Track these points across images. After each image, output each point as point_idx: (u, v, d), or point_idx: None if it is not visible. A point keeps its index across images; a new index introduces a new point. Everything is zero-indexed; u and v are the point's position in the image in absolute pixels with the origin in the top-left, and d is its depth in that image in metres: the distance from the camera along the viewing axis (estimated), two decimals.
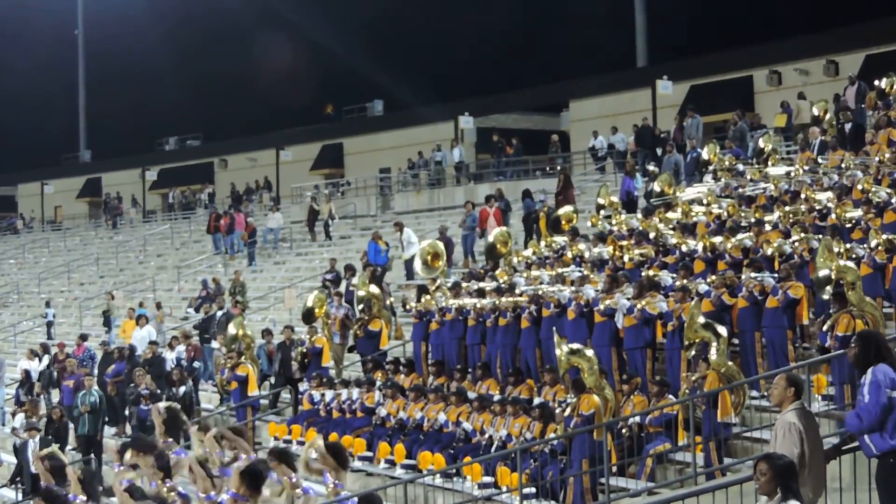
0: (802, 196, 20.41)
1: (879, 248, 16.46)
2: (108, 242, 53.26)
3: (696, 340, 14.97)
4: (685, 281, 16.93)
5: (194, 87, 75.43)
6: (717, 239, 18.90)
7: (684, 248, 19.29)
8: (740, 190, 22.65)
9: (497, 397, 17.51)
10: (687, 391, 14.62)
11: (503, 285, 19.95)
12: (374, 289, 23.18)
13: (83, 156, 72.79)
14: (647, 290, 16.87)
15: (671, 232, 20.40)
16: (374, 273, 25.79)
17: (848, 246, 16.66)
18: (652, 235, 20.64)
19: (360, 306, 23.00)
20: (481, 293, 19.93)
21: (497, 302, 19.20)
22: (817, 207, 19.50)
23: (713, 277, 17.02)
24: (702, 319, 14.96)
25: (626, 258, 20.19)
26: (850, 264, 15.08)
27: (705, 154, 25.62)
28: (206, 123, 69.91)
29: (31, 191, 72.36)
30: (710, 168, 25.35)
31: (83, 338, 30.01)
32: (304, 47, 70.93)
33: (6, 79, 75.88)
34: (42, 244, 58.20)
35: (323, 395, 20.56)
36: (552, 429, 15.46)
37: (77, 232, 59.70)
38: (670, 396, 15.49)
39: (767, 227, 19.07)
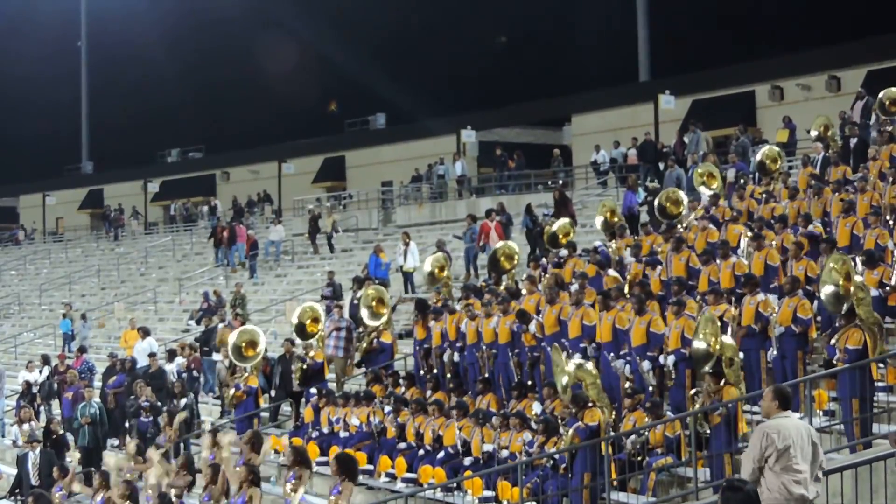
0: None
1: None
2: (109, 254, 53.31)
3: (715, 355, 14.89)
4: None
5: (197, 98, 75.59)
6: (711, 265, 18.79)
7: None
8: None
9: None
10: (703, 404, 14.48)
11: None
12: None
13: (85, 167, 72.92)
14: (646, 302, 16.83)
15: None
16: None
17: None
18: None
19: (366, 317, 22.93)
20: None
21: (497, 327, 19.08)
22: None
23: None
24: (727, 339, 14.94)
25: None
26: (858, 279, 15.01)
27: (698, 177, 25.47)
28: (208, 135, 70.07)
29: (33, 202, 72.43)
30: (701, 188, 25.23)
31: (82, 350, 30.03)
32: (307, 60, 71.06)
33: (9, 89, 76.09)
34: (43, 255, 58.26)
35: (324, 411, 20.46)
36: (553, 442, 15.41)
37: (78, 243, 59.75)
38: (669, 413, 15.47)
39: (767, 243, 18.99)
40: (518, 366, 18.53)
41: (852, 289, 14.37)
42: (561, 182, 36.68)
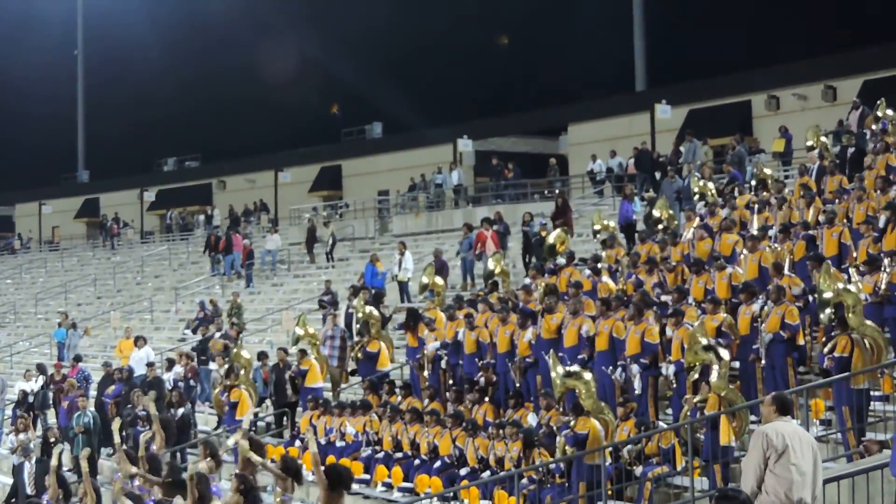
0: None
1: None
2: (105, 263, 53.22)
3: (697, 363, 14.92)
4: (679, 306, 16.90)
5: (193, 107, 75.60)
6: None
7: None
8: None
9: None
10: (688, 414, 14.57)
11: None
12: (371, 310, 23.11)
13: (81, 176, 72.87)
14: (643, 311, 16.83)
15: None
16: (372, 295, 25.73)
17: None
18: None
19: (358, 326, 22.96)
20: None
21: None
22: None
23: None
24: (704, 341, 14.89)
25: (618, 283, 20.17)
26: (851, 288, 15.01)
27: (694, 187, 25.51)
28: (204, 144, 70.02)
29: (29, 211, 72.35)
30: (697, 198, 25.27)
31: (77, 359, 29.97)
32: (304, 70, 71.12)
33: (5, 97, 76.10)
34: (39, 264, 58.19)
35: (319, 421, 20.42)
36: (535, 454, 15.44)
37: (75, 252, 59.66)
38: (662, 423, 15.45)
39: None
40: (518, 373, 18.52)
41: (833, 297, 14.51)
42: (557, 191, 36.63)
